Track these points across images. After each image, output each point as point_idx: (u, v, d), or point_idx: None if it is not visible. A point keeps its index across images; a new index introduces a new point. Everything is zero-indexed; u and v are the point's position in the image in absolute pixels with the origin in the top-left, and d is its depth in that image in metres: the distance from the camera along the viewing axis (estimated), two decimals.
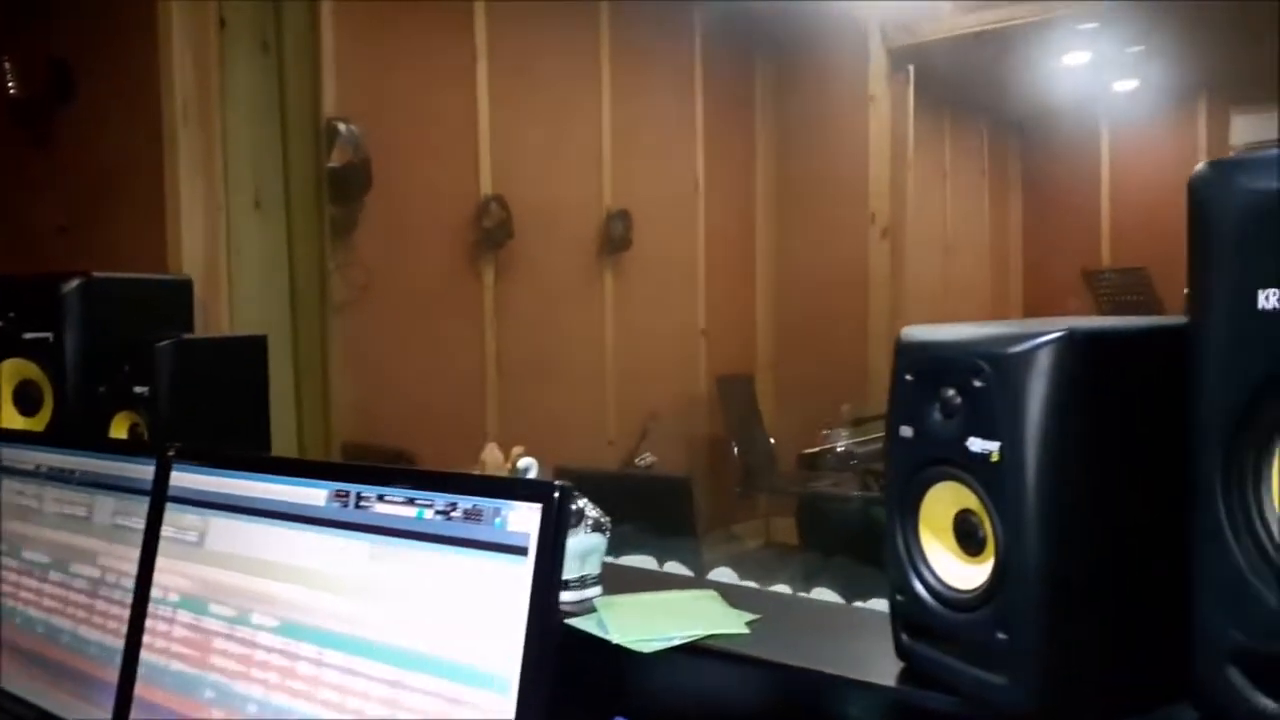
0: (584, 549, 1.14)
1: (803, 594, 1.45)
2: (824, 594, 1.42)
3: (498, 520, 0.80)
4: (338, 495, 0.92)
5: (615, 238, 4.66)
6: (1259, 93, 7.00)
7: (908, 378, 0.88)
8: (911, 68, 5.35)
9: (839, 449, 3.88)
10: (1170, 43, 6.10)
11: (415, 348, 3.65)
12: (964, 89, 7.17)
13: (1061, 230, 8.00)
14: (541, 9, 4.25)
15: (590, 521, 1.15)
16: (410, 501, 0.86)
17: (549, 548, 0.77)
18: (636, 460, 4.44)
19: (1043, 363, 0.77)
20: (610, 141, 4.62)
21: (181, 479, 1.07)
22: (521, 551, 0.78)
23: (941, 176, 7.29)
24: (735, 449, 4.97)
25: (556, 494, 0.78)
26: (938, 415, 0.85)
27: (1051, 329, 0.78)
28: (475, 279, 4.02)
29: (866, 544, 1.56)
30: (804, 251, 5.44)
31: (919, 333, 0.90)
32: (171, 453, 1.09)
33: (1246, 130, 7.06)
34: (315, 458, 2.36)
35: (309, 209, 2.58)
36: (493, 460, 1.23)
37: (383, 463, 2.64)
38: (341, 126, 3.02)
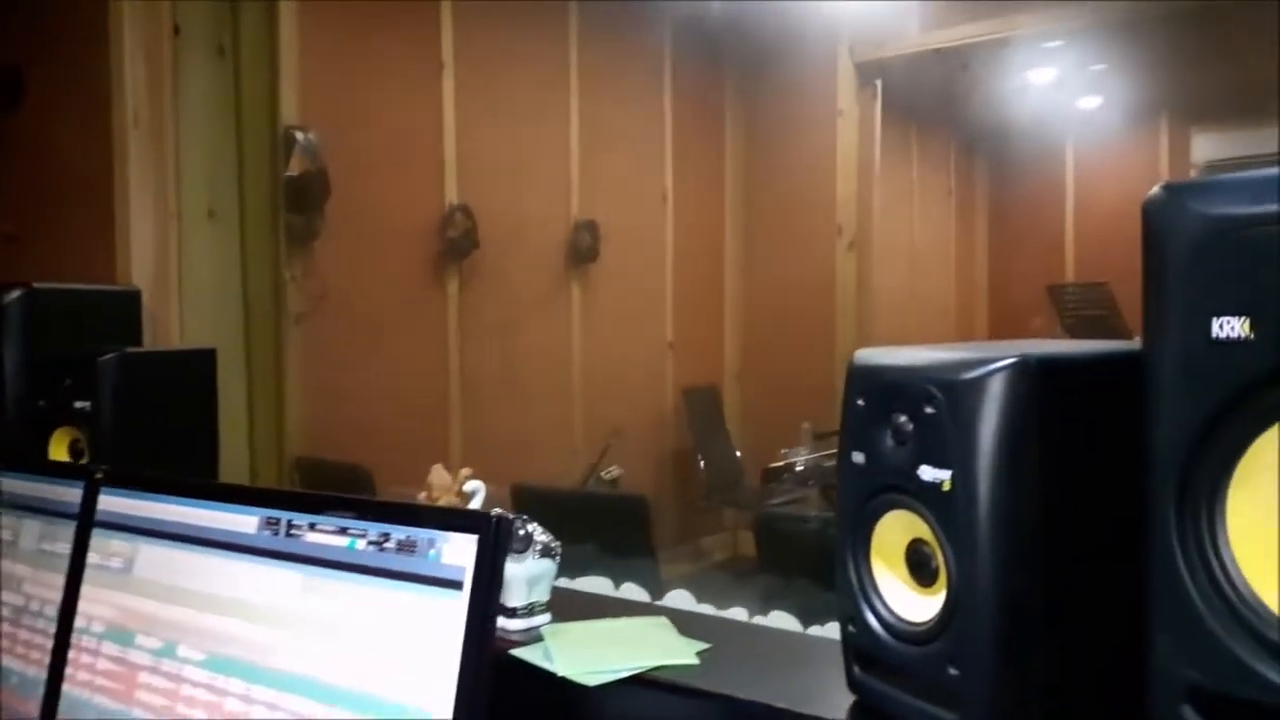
0: (532, 575, 1.11)
1: (759, 618, 1.42)
2: (781, 618, 1.39)
3: (432, 552, 0.76)
4: (268, 523, 0.88)
5: (583, 249, 4.63)
6: (1219, 112, 7.13)
7: (859, 403, 0.86)
8: (879, 83, 5.37)
9: (799, 468, 3.86)
10: (1132, 62, 6.19)
11: (375, 360, 3.59)
12: (931, 105, 7.22)
13: (1026, 246, 8.08)
14: (509, 19, 4.23)
15: (539, 547, 1.12)
16: (342, 531, 0.83)
17: (485, 581, 0.73)
18: (601, 473, 4.40)
19: (995, 390, 0.75)
20: (578, 152, 4.59)
21: (110, 503, 1.03)
22: (456, 585, 0.74)
23: (908, 192, 7.33)
24: (700, 462, 4.95)
25: (493, 524, 0.74)
26: (890, 442, 0.83)
27: (1004, 355, 0.76)
28: (439, 290, 3.97)
29: (826, 566, 1.54)
30: (771, 264, 5.44)
31: (871, 356, 0.88)
32: (99, 475, 1.04)
33: (1207, 148, 7.17)
34: (268, 474, 2.31)
35: (264, 218, 2.53)
36: (439, 482, 1.20)
37: (338, 479, 2.59)
38: (299, 135, 2.97)
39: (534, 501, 1.98)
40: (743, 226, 5.57)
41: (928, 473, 0.79)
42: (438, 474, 1.21)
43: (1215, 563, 0.68)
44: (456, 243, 4.00)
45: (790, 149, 5.39)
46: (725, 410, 5.35)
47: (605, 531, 1.79)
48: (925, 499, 0.80)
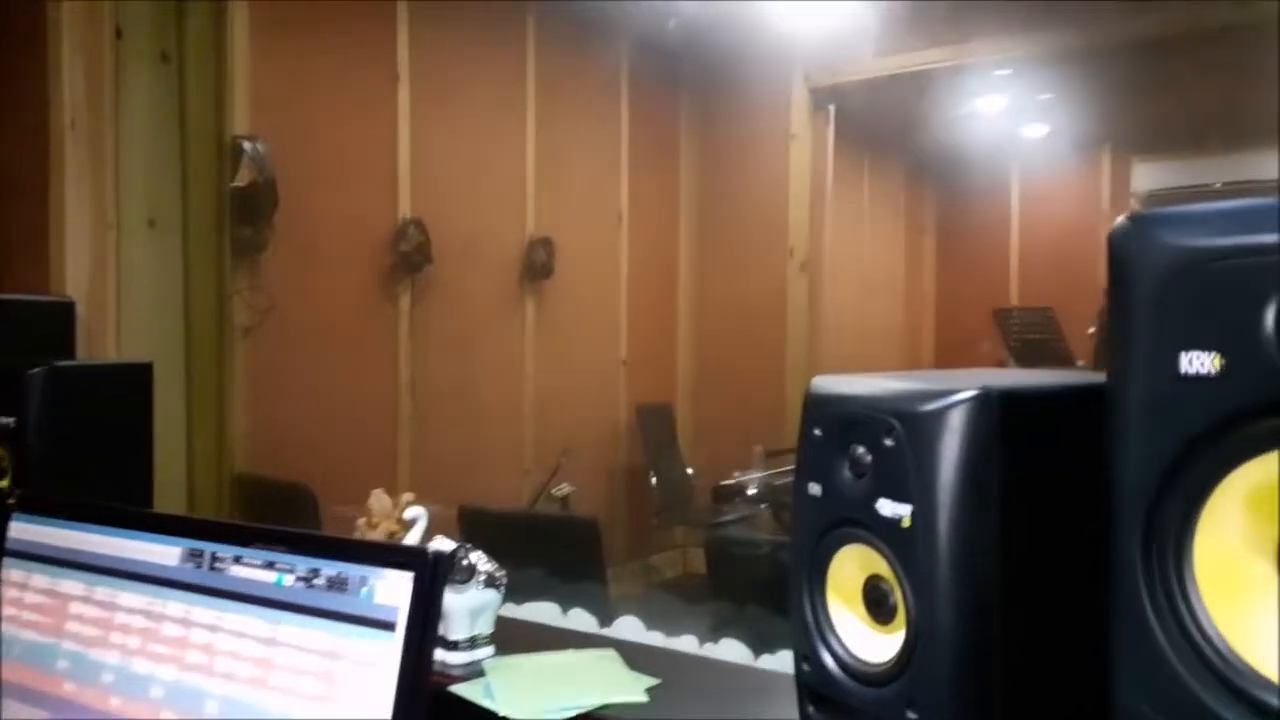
0: (475, 606, 1.06)
1: (709, 646, 1.39)
2: (732, 647, 1.36)
3: (364, 590, 0.72)
4: (192, 555, 0.83)
5: (537, 265, 4.59)
6: (1160, 142, 7.31)
7: (816, 432, 0.83)
8: (832, 107, 5.42)
9: (751, 490, 3.84)
10: (1078, 92, 6.32)
11: (323, 375, 3.51)
12: (882, 131, 7.31)
13: (973, 269, 8.20)
14: (466, 32, 4.19)
15: (483, 576, 1.07)
16: (269, 565, 0.78)
17: (420, 623, 0.69)
18: (552, 490, 4.34)
19: (956, 423, 0.73)
20: (534, 168, 4.56)
21: (23, 531, 0.96)
22: (389, 626, 0.70)
23: (859, 215, 7.40)
24: (653, 479, 4.91)
25: (430, 562, 0.70)
26: (847, 474, 0.80)
27: (965, 387, 0.74)
28: (390, 304, 3.90)
29: (778, 591, 1.50)
30: (724, 283, 5.45)
31: (829, 384, 0.85)
32: (12, 501, 0.98)
33: (1147, 178, 7.34)
34: (206, 493, 2.23)
35: (208, 229, 2.46)
36: (379, 508, 1.15)
37: (279, 499, 2.51)
38: (247, 144, 2.89)
39: (482, 524, 1.93)
40: (697, 246, 5.57)
41: (886, 507, 0.76)
42: (378, 499, 1.16)
43: (1182, 605, 0.66)
44: (409, 257, 3.93)
45: (744, 170, 5.41)
46: (678, 428, 5.33)
47: (555, 554, 1.74)
48: (884, 534, 0.77)
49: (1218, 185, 6.95)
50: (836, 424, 0.81)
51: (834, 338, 5.57)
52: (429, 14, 3.99)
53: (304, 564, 0.76)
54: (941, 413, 0.73)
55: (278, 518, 1.89)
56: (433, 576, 0.70)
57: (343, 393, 3.60)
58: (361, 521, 1.17)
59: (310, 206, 3.48)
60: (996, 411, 0.73)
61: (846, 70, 5.23)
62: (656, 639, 1.39)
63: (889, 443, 0.76)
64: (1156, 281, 0.67)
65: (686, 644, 1.37)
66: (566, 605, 1.59)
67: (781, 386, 5.18)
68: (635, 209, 5.18)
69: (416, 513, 1.06)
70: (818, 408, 0.84)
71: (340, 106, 3.68)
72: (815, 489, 0.83)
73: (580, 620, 1.49)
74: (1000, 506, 0.73)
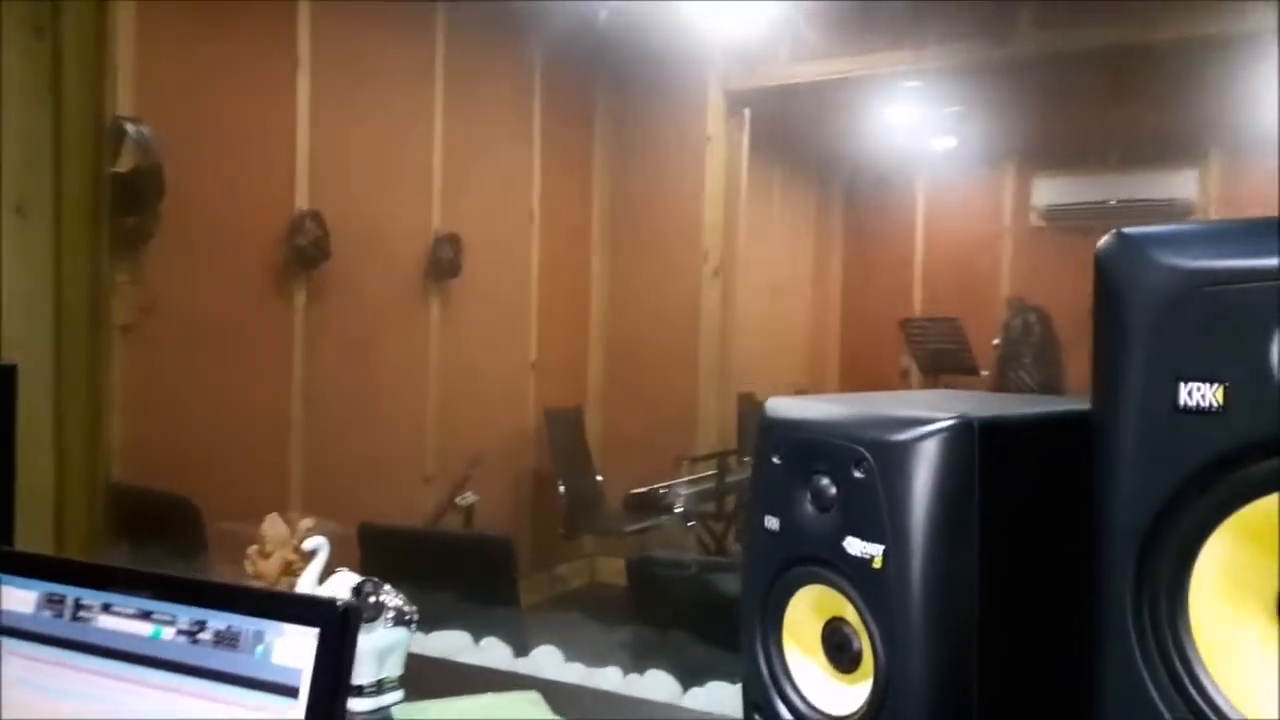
0: (383, 647, 0.95)
1: (634, 677, 1.30)
2: (658, 679, 1.28)
3: (260, 648, 0.61)
4: (50, 601, 0.70)
5: (443, 263, 4.43)
6: (1060, 159, 7.56)
7: (774, 460, 0.75)
8: (748, 111, 5.41)
9: (679, 509, 3.76)
10: (984, 106, 6.47)
11: (210, 378, 3.30)
12: (794, 138, 7.37)
13: (877, 278, 8.34)
14: (372, 19, 4.02)
15: (391, 614, 0.97)
16: (145, 615, 0.66)
17: (327, 688, 0.59)
18: (456, 500, 4.21)
19: (933, 454, 0.66)
20: (441, 163, 4.41)
21: None
22: (290, 692, 0.59)
23: (770, 221, 7.44)
24: (560, 487, 4.81)
25: (339, 616, 0.60)
26: (809, 507, 0.73)
27: (942, 414, 0.67)
28: (284, 302, 3.71)
29: (705, 618, 1.44)
30: (637, 286, 5.38)
31: (788, 407, 0.78)
32: None
33: (1048, 193, 7.58)
34: (77, 507, 2.04)
35: (84, 218, 2.26)
36: (274, 535, 1.03)
37: (158, 513, 2.32)
38: (130, 127, 2.69)
39: (385, 543, 1.81)
40: (609, 247, 5.49)
41: (855, 545, 0.69)
42: (272, 525, 1.04)
43: (1176, 656, 0.61)
44: (305, 251, 3.74)
45: (659, 172, 5.36)
46: (588, 434, 5.23)
47: (465, 576, 1.63)
48: (851, 575, 0.70)
49: (1113, 202, 7.22)
50: (797, 452, 0.74)
51: (745, 343, 5.57)
52: None
53: (187, 615, 0.64)
54: (917, 442, 0.67)
55: (157, 534, 1.73)
56: (342, 633, 0.60)
57: (230, 397, 3.39)
58: (253, 550, 1.04)
59: (199, 195, 3.27)
60: (977, 441, 0.67)
61: (762, 74, 5.23)
62: (578, 672, 1.30)
63: (859, 475, 0.69)
64: (1153, 306, 0.61)
65: (610, 678, 1.28)
66: (479, 633, 1.49)
67: (694, 392, 5.14)
68: (547, 208, 5.07)
69: (317, 543, 0.95)
70: (776, 433, 0.76)
71: (235, 91, 3.48)
72: (772, 523, 0.75)
73: (494, 651, 1.39)
74: (980, 546, 0.67)
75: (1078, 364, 5.74)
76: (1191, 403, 0.59)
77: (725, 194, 5.21)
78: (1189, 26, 4.11)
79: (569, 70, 5.19)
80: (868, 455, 0.68)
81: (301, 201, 3.72)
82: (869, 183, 8.30)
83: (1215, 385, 0.58)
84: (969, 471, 0.66)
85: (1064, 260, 7.54)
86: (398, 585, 1.19)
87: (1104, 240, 0.68)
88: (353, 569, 1.14)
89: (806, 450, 0.73)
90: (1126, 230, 0.67)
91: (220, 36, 3.39)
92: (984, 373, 5.31)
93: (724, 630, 1.40)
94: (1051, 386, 5.26)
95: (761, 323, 7.09)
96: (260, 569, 1.03)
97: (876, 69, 5.05)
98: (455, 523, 4.16)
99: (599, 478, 5.13)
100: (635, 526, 4.49)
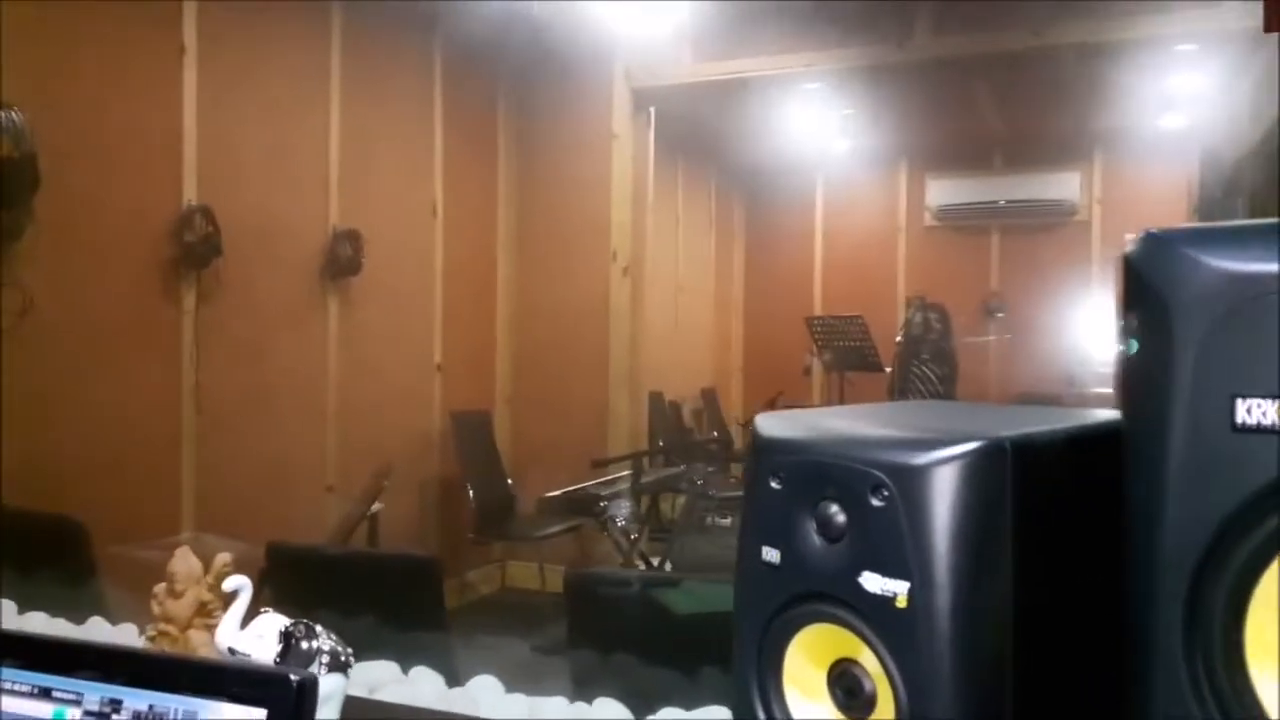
0: (320, 696, 0.84)
1: (581, 706, 1.22)
2: (608, 708, 1.19)
3: None
4: None
5: (342, 260, 4.23)
6: (951, 161, 7.76)
7: (774, 485, 0.68)
8: (653, 110, 5.35)
9: (622, 518, 3.65)
10: (880, 109, 6.58)
11: (93, 386, 3.06)
12: (697, 137, 7.36)
13: (779, 276, 8.43)
14: (264, 8, 3.80)
15: (326, 658, 0.86)
16: (44, 693, 0.54)
17: None
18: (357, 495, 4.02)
19: (962, 479, 0.60)
20: (339, 156, 4.21)
21: None
22: None
23: (675, 219, 7.42)
24: (469, 491, 4.66)
25: (293, 691, 0.50)
26: (815, 539, 0.66)
27: (968, 433, 0.61)
28: (172, 303, 3.47)
29: (651, 638, 1.36)
30: (546, 285, 5.27)
31: (786, 425, 0.70)
32: None
33: (941, 193, 7.78)
34: None
35: None
36: (185, 573, 0.90)
37: (41, 538, 2.11)
38: (0, 113, 2.45)
39: (296, 565, 1.67)
40: (516, 245, 5.36)
41: (873, 582, 0.62)
42: (183, 560, 0.91)
43: (1232, 696, 0.56)
44: (195, 249, 3.51)
45: (565, 169, 5.25)
46: (496, 437, 5.10)
47: (388, 599, 1.51)
48: (867, 614, 0.63)
49: (1002, 203, 7.44)
50: (801, 475, 0.66)
51: (653, 342, 5.52)
52: None
53: (96, 693, 0.53)
54: (944, 466, 0.60)
55: (41, 561, 1.56)
56: (297, 713, 0.50)
57: (116, 405, 3.15)
58: (160, 589, 0.92)
59: (78, 188, 3.03)
60: (1009, 464, 0.61)
61: (666, 73, 5.19)
62: (521, 705, 1.20)
63: (877, 502, 0.62)
64: (1205, 315, 0.56)
65: (556, 708, 1.19)
66: (407, 662, 1.37)
67: (604, 392, 5.06)
68: (451, 204, 4.92)
69: (239, 583, 0.83)
70: (774, 454, 0.69)
71: (116, 77, 3.23)
72: (770, 554, 0.68)
73: (425, 684, 1.28)
74: (1013, 577, 0.61)
75: (970, 359, 5.91)
76: (1251, 421, 0.54)
77: (633, 192, 5.15)
78: (1078, 34, 4.24)
79: (472, 61, 5.04)
80: (887, 480, 0.61)
81: (190, 195, 3.49)
82: (769, 182, 8.37)
83: (1277, 402, 0.54)
84: (1000, 497, 0.60)
85: (956, 258, 7.76)
86: (313, 612, 1.08)
87: (1136, 241, 0.62)
88: (261, 595, 1.02)
89: (812, 474, 0.66)
90: (1161, 230, 0.62)
91: (99, 19, 3.15)
92: (888, 369, 5.39)
93: (672, 651, 1.31)
94: (948, 381, 5.38)
95: (668, 322, 7.06)
96: (170, 611, 0.90)
97: (778, 70, 5.07)
98: (359, 531, 3.97)
99: (509, 481, 5.00)
100: (549, 530, 4.39)
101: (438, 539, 4.78)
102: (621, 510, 3.52)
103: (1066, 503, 0.65)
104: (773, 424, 0.71)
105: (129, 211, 3.29)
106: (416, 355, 4.74)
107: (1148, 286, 0.60)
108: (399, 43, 4.64)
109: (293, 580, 1.60)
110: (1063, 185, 7.32)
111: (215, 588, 0.90)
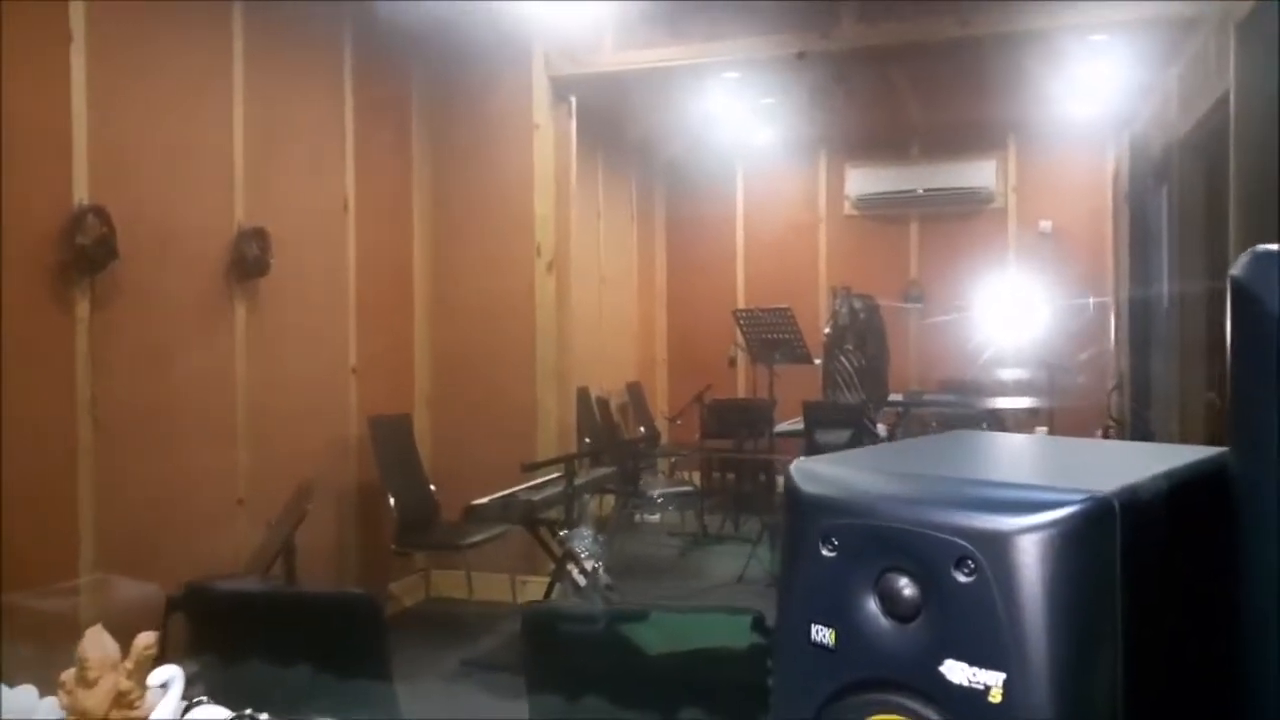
0: None
1: None
2: None
3: None
4: None
5: (249, 260, 3.99)
6: (870, 150, 7.81)
7: (825, 553, 0.57)
8: (574, 99, 5.21)
9: (571, 542, 3.47)
10: (798, 98, 6.56)
11: None
12: (617, 126, 7.24)
13: (701, 267, 8.38)
14: None
15: None
16: None
17: None
18: (270, 521, 3.80)
19: (1067, 547, 0.50)
20: (243, 150, 3.96)
21: None
22: None
23: (596, 211, 7.29)
24: (391, 500, 4.47)
25: None
26: (880, 618, 0.55)
27: (1071, 488, 0.51)
28: (64, 311, 3.20)
29: (622, 681, 1.24)
30: (466, 281, 5.08)
31: (834, 474, 0.59)
32: None
33: (860, 183, 7.81)
34: None
35: None
36: (99, 659, 0.75)
37: None
38: None
39: (217, 609, 1.49)
40: (433, 240, 5.16)
41: (958, 671, 0.52)
42: (95, 643, 0.76)
43: None
44: (87, 252, 3.25)
45: (485, 161, 5.07)
46: (417, 440, 4.90)
47: (322, 642, 1.36)
48: (951, 708, 0.53)
49: (920, 191, 7.51)
50: (860, 543, 0.56)
51: (579, 336, 5.38)
52: None
53: None
54: (1043, 533, 0.50)
55: None
56: None
57: (4, 426, 2.89)
58: (69, 676, 0.76)
59: None
60: (1118, 525, 0.51)
61: (586, 61, 5.05)
62: None
63: (962, 578, 0.51)
64: None
65: None
66: (350, 715, 1.23)
67: (532, 391, 4.91)
68: (364, 198, 4.69)
69: (169, 674, 0.69)
70: (824, 515, 0.58)
71: None
72: (822, 634, 0.57)
73: None
74: (1124, 659, 0.51)
75: (894, 349, 5.93)
76: None
77: (555, 185, 5.00)
78: (1004, 23, 4.25)
79: (383, 49, 4.82)
80: (974, 551, 0.51)
81: (81, 195, 3.23)
82: (690, 172, 8.30)
83: None
84: (1109, 565, 0.51)
85: (876, 246, 7.82)
86: (240, 662, 0.94)
87: (1243, 261, 0.53)
88: (168, 641, 0.87)
89: (875, 541, 0.55)
90: (1265, 248, 0.54)
91: None
92: (816, 361, 5.36)
93: (645, 696, 1.20)
94: (877, 372, 5.38)
95: (592, 315, 6.94)
96: (82, 703, 0.75)
97: (696, 60, 4.98)
98: (272, 541, 3.75)
99: (431, 487, 4.81)
100: (475, 539, 4.23)
101: (357, 549, 4.58)
102: (583, 542, 3.36)
103: (1174, 562, 0.55)
104: (816, 475, 0.60)
105: (14, 212, 3.01)
106: (330, 358, 4.52)
107: (1260, 309, 0.51)
108: (306, 31, 4.40)
109: (214, 625, 1.44)
110: (979, 173, 7.43)
111: (136, 673, 0.75)
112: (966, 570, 0.51)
